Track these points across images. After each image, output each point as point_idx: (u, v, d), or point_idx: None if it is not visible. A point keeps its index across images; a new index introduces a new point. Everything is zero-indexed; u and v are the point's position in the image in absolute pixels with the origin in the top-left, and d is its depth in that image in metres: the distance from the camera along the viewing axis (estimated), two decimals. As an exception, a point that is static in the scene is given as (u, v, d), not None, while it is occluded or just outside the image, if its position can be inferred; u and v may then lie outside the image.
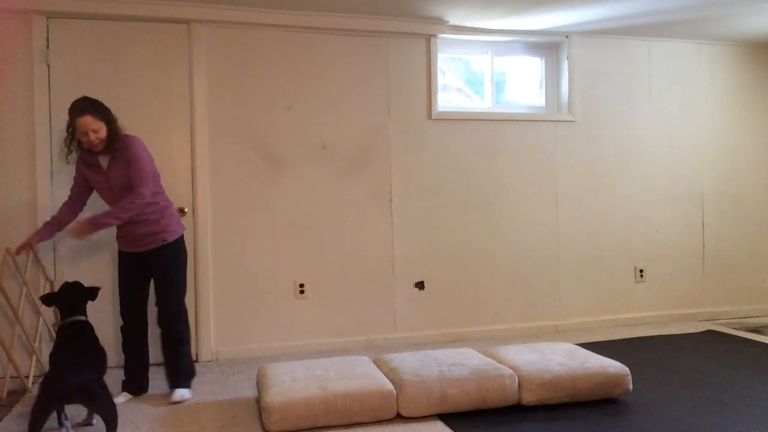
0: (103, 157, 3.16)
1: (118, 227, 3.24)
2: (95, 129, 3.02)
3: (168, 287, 3.24)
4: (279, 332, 4.08)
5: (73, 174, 3.32)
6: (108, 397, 2.57)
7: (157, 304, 3.24)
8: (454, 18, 4.19)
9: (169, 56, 3.88)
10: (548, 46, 4.72)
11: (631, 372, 3.11)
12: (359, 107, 4.21)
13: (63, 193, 3.70)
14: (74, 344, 2.79)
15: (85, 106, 3.04)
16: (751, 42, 4.98)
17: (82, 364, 2.63)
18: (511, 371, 3.01)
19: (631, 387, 3.07)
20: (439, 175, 4.37)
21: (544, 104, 4.76)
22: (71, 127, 3.08)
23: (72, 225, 3.09)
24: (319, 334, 4.15)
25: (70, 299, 2.96)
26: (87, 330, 2.91)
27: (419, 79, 4.32)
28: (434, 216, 4.36)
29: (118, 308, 3.31)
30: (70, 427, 2.70)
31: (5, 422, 2.91)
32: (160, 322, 3.23)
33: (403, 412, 2.86)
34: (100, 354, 2.84)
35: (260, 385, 2.97)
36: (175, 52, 3.89)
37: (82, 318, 2.93)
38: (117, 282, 3.34)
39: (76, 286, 3.02)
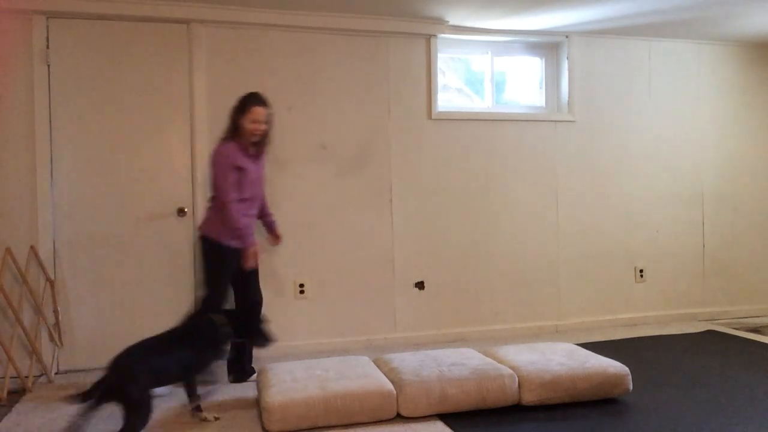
0: (252, 151, 3.35)
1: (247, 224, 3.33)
2: (265, 122, 3.31)
3: (258, 279, 3.53)
4: (279, 332, 4.07)
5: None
6: (132, 405, 2.46)
7: (253, 294, 3.47)
8: (454, 18, 4.19)
9: (169, 56, 3.88)
10: (548, 46, 4.72)
11: (631, 372, 3.11)
12: (359, 107, 4.21)
13: (62, 193, 3.71)
14: (159, 337, 2.81)
15: (264, 99, 3.33)
16: (751, 42, 4.98)
17: (133, 358, 2.57)
18: (511, 371, 3.01)
19: (631, 387, 3.07)
20: (439, 175, 4.37)
21: (544, 104, 4.76)
22: (239, 113, 3.26)
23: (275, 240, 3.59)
24: (319, 334, 4.15)
25: (232, 315, 3.02)
26: (194, 326, 2.91)
27: (419, 79, 4.32)
28: (434, 216, 4.36)
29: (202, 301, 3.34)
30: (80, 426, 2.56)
31: (5, 422, 2.91)
32: (256, 308, 3.45)
33: (403, 412, 2.86)
34: (175, 351, 2.74)
35: (260, 385, 2.98)
36: (175, 52, 3.89)
37: (209, 316, 2.97)
38: (215, 276, 3.29)
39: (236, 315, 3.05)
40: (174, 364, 2.71)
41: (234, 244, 3.28)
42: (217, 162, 3.23)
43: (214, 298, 3.27)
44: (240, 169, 3.24)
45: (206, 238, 3.30)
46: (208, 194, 3.36)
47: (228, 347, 3.02)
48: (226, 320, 2.96)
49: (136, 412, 2.47)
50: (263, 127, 3.29)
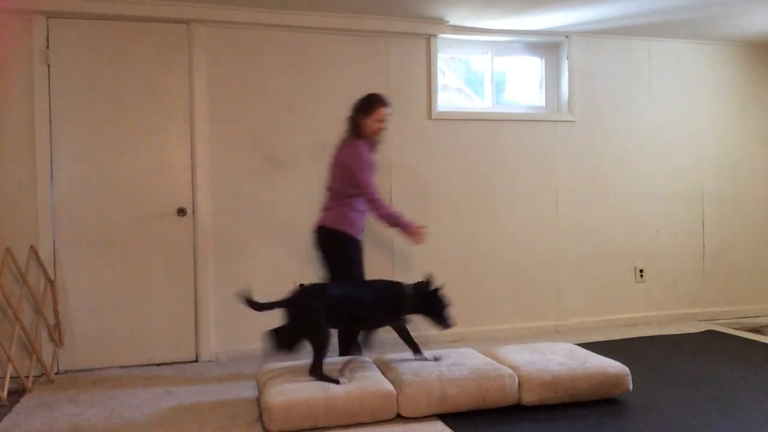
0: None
1: (363, 216, 3.50)
2: (386, 121, 3.48)
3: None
4: (279, 332, 4.07)
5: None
6: (306, 325, 2.95)
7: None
8: (454, 18, 4.19)
9: (169, 56, 3.88)
10: (548, 46, 4.72)
11: (631, 372, 3.11)
12: (359, 107, 4.20)
13: (62, 193, 3.71)
14: (363, 285, 3.23)
15: (386, 100, 3.50)
16: (751, 42, 4.98)
17: (319, 289, 3.08)
18: (511, 371, 3.01)
19: (631, 387, 3.08)
20: (439, 175, 4.37)
21: (544, 104, 4.76)
22: (363, 113, 3.44)
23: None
24: (319, 334, 4.14)
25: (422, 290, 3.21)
26: (384, 286, 3.20)
27: (419, 79, 4.32)
28: (434, 216, 4.36)
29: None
30: None
31: (5, 422, 2.91)
32: None
33: (404, 412, 2.86)
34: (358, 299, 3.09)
35: (261, 384, 2.98)
36: (175, 52, 3.89)
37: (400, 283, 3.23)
38: (348, 266, 3.45)
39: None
40: (354, 310, 3.07)
41: (358, 236, 3.48)
42: (356, 159, 3.38)
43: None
44: (370, 165, 3.42)
45: (332, 231, 3.43)
46: (330, 190, 3.50)
47: (406, 318, 3.23)
48: (413, 292, 3.16)
49: (311, 332, 2.95)
50: (384, 126, 3.49)
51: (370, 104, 3.45)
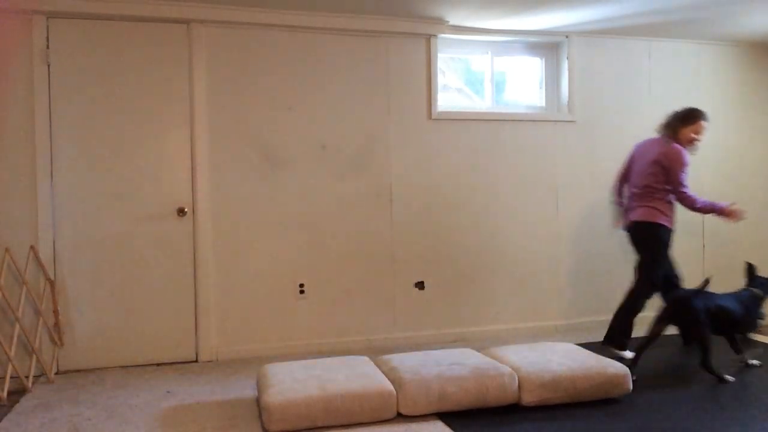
0: None
1: (675, 207, 3.83)
2: (702, 135, 3.80)
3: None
4: (279, 332, 4.08)
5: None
6: (696, 323, 3.31)
7: (673, 269, 4.06)
8: (454, 18, 4.19)
9: (169, 56, 3.88)
10: (548, 46, 4.72)
11: (631, 372, 3.11)
12: (359, 107, 4.21)
13: (62, 193, 3.71)
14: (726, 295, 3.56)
15: (707, 115, 3.81)
16: (751, 42, 4.98)
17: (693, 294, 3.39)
18: (510, 370, 3.01)
19: (631, 387, 3.08)
20: (439, 175, 4.37)
21: (544, 104, 4.76)
22: (684, 122, 3.73)
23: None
24: (319, 334, 4.15)
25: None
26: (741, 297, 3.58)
27: (419, 79, 4.32)
28: (434, 216, 4.36)
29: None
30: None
31: (5, 422, 2.91)
32: (678, 280, 4.08)
33: (403, 411, 2.86)
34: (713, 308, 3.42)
35: (260, 385, 2.98)
36: (175, 52, 3.89)
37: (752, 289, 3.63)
38: (659, 254, 3.82)
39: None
40: (725, 315, 3.42)
41: (670, 226, 3.79)
42: (679, 161, 3.67)
43: (656, 272, 3.81)
44: (688, 167, 3.73)
45: (652, 224, 3.76)
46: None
47: (760, 322, 3.58)
48: (762, 294, 3.58)
49: (700, 329, 3.30)
50: (699, 139, 3.78)
51: (692, 116, 3.74)
